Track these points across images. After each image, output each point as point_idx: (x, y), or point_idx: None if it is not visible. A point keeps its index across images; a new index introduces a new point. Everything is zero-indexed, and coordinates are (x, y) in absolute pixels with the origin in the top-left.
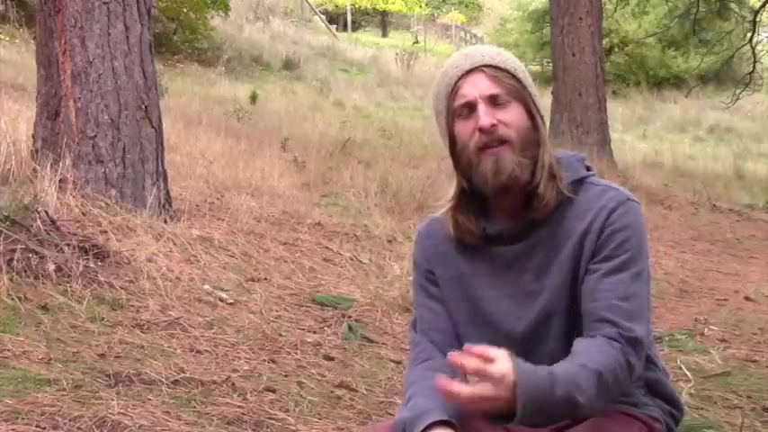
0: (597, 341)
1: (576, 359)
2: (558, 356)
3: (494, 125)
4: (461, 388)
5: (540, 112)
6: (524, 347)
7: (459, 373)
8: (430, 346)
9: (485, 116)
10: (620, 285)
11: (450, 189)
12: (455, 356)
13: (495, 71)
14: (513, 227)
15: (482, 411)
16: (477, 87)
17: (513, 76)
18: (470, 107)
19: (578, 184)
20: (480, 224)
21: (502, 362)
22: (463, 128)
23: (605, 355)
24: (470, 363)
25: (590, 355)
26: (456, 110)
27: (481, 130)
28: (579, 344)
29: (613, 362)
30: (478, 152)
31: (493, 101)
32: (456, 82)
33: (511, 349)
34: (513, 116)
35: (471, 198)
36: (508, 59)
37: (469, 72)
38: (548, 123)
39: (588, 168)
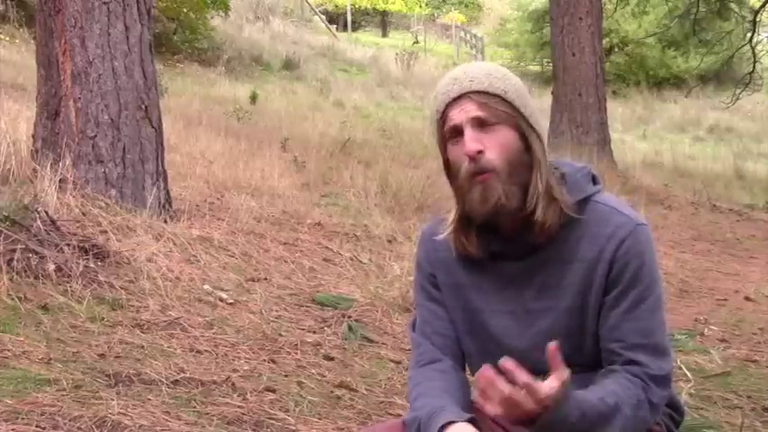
0: (618, 377)
1: (598, 392)
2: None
3: (480, 151)
4: (505, 385)
5: (536, 131)
6: (521, 364)
7: (503, 379)
8: (432, 347)
9: (470, 142)
10: (641, 322)
11: (450, 213)
12: (509, 364)
13: (484, 97)
14: (517, 245)
15: (507, 415)
16: (464, 112)
17: (503, 100)
18: (458, 131)
19: (584, 203)
20: (485, 239)
21: (550, 384)
22: (454, 152)
23: (624, 390)
24: (522, 375)
25: (608, 388)
26: (446, 134)
27: (468, 156)
28: (601, 378)
29: (633, 397)
30: (469, 179)
31: (480, 124)
32: (444, 109)
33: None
34: (500, 140)
35: (471, 220)
36: (497, 81)
37: (457, 99)
38: (547, 123)
39: (594, 180)
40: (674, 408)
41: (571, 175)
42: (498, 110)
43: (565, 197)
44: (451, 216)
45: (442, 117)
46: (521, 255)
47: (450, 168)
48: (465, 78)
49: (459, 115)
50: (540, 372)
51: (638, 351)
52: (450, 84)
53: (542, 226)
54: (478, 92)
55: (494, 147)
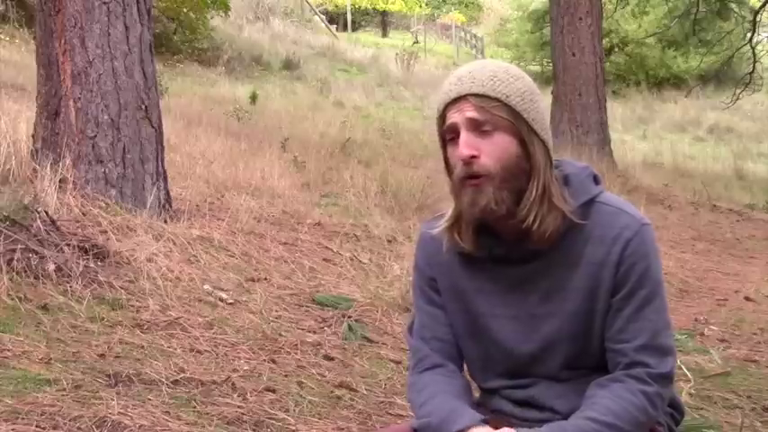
0: (615, 389)
1: (588, 411)
2: (555, 378)
3: (473, 156)
4: None
5: (540, 137)
6: (524, 367)
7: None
8: (432, 352)
9: (464, 147)
10: (647, 323)
11: (448, 209)
12: None
13: (483, 100)
14: (520, 249)
15: None
16: (462, 115)
17: (504, 105)
18: (456, 131)
19: (588, 205)
20: (486, 243)
21: None
22: (452, 153)
23: (619, 403)
24: None
25: (602, 405)
26: (444, 134)
27: (461, 160)
28: (594, 390)
29: (629, 407)
30: (461, 181)
31: (476, 128)
32: (444, 109)
33: (510, 366)
34: (496, 146)
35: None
36: (500, 85)
37: (456, 100)
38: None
39: (596, 180)
40: (675, 407)
41: (575, 177)
42: (497, 115)
43: (568, 202)
44: (449, 212)
45: (442, 116)
46: (525, 259)
47: (449, 167)
48: (468, 79)
49: (455, 116)
50: (543, 376)
51: (644, 352)
52: (453, 83)
53: (541, 235)
54: (478, 95)
55: (489, 153)
